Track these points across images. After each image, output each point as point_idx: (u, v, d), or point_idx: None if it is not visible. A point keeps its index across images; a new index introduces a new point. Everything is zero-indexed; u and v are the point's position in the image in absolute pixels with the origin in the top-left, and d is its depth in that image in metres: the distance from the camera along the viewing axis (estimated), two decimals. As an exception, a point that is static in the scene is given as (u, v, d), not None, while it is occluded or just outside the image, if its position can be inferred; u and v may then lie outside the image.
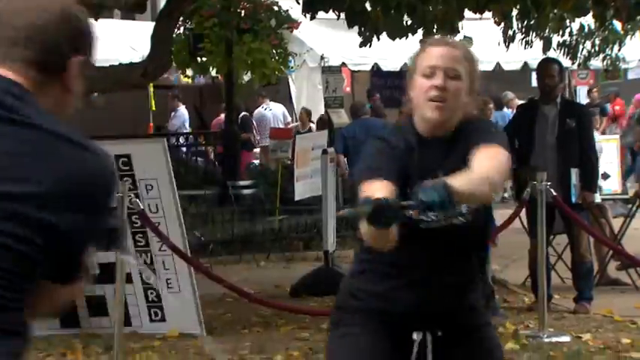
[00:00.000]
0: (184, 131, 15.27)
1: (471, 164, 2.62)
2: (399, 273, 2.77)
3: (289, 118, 15.60)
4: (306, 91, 15.07)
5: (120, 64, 8.08)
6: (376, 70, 15.48)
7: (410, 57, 3.05)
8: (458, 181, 2.49)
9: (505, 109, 14.69)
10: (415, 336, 2.77)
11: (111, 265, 6.39)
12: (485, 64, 15.77)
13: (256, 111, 15.36)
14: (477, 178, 2.58)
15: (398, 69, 14.54)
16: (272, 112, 15.13)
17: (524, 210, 7.18)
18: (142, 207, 6.38)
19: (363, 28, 7.87)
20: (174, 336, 6.70)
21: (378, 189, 2.51)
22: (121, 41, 12.32)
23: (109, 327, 6.50)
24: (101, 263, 6.68)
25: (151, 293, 6.94)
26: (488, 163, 2.62)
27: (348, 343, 2.87)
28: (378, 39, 8.09)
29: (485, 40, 11.03)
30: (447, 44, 2.87)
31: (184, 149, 14.53)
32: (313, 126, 14.01)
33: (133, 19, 13.50)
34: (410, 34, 7.74)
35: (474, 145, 2.67)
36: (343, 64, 15.04)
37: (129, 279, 6.76)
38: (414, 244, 2.69)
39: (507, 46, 9.03)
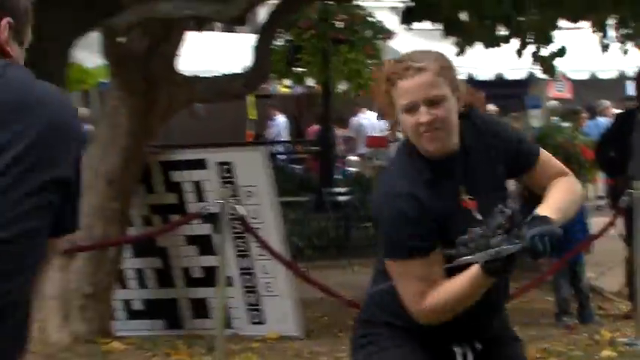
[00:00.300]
0: (281, 139, 15.49)
1: (540, 180, 2.58)
2: None
3: (385, 127, 15.90)
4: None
5: (222, 75, 8.24)
6: (470, 79, 15.72)
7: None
8: (555, 212, 2.40)
9: (599, 118, 14.39)
10: (457, 349, 2.75)
11: (213, 269, 6.57)
12: (580, 73, 15.64)
13: (354, 120, 15.59)
14: (570, 199, 2.52)
15: (493, 78, 14.71)
16: (369, 120, 15.32)
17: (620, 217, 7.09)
18: (242, 213, 6.32)
19: (458, 38, 8.00)
20: (273, 338, 6.78)
21: (431, 270, 2.45)
22: (222, 53, 12.63)
23: (211, 329, 6.58)
24: (204, 266, 7.07)
25: (251, 296, 7.05)
26: (565, 178, 2.57)
27: (391, 355, 2.77)
28: (472, 47, 8.17)
29: (579, 49, 10.82)
30: (416, 72, 2.52)
31: (281, 157, 14.71)
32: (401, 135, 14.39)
33: (234, 31, 13.85)
34: (503, 43, 7.81)
35: (513, 154, 2.57)
36: None
37: (230, 282, 6.81)
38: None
39: (603, 53, 8.95)
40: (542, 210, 2.42)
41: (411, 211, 2.37)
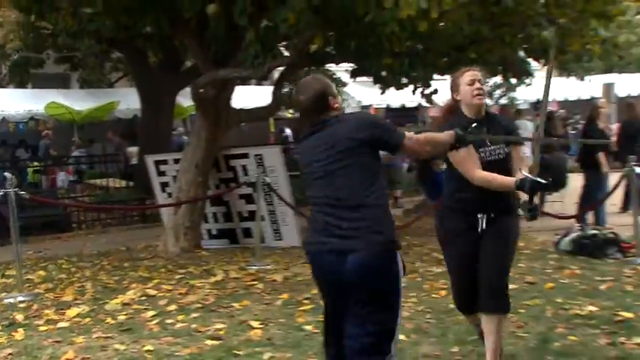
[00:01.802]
0: (290, 141, 19.60)
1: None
2: (473, 187, 3.76)
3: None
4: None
5: (255, 107, 10.35)
6: (387, 107, 19.86)
7: (451, 79, 4.05)
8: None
9: None
10: (479, 215, 3.85)
11: (253, 212, 8.74)
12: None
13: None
14: None
15: (399, 106, 19.16)
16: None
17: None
18: (268, 181, 8.59)
19: (381, 85, 10.21)
20: (287, 247, 8.98)
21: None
22: (256, 96, 15.01)
23: (253, 243, 8.67)
24: (249, 210, 9.15)
25: (274, 225, 9.35)
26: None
27: (450, 227, 3.92)
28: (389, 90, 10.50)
29: (446, 89, 13.66)
30: (473, 69, 3.95)
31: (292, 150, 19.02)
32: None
33: (262, 84, 16.67)
34: (405, 87, 10.11)
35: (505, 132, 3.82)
36: (371, 104, 19.55)
37: (263, 219, 8.91)
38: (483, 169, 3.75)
39: None
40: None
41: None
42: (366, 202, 3.17)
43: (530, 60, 10.72)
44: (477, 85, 3.82)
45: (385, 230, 3.15)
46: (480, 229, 3.80)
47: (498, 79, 11.48)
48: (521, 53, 10.18)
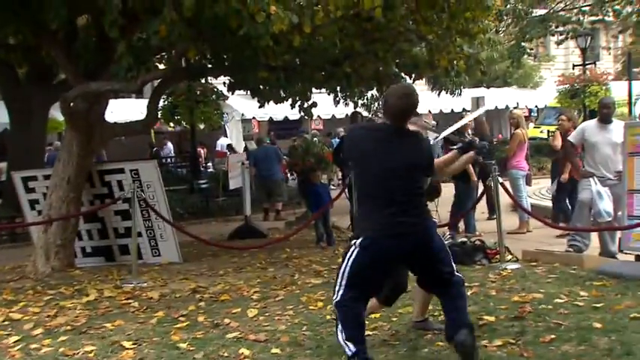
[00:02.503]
0: (170, 155, 20.29)
1: None
2: None
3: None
4: (235, 132, 19.88)
5: (131, 121, 10.39)
6: (270, 119, 20.84)
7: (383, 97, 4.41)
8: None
9: (336, 138, 18.72)
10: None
11: (130, 228, 8.54)
12: (328, 115, 20.45)
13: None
14: None
15: (282, 119, 20.14)
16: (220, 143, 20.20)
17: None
18: (144, 196, 8.44)
19: (260, 99, 10.40)
20: (165, 263, 8.85)
21: None
22: (135, 109, 15.29)
23: (130, 260, 8.46)
24: (125, 227, 9.00)
25: (152, 241, 9.20)
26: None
27: None
28: (268, 103, 10.71)
29: (326, 102, 13.05)
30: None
31: (171, 164, 19.31)
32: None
33: (141, 97, 16.65)
34: (285, 101, 10.40)
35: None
36: (254, 117, 20.24)
37: (140, 234, 8.73)
38: None
39: (337, 105, 11.91)
40: None
41: None
42: None
43: (403, 75, 11.00)
44: None
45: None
46: None
47: (375, 92, 11.76)
48: (395, 68, 10.43)
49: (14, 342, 5.41)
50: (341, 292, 4.09)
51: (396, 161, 3.96)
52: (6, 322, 6.07)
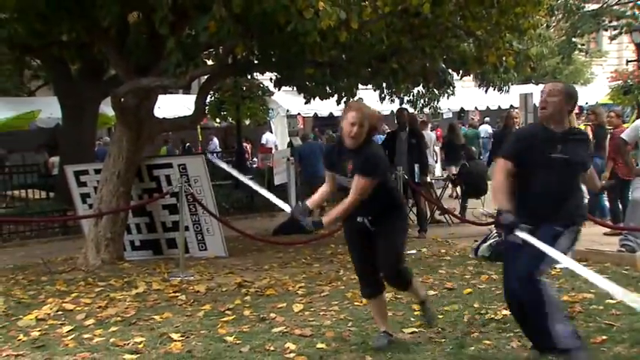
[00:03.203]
0: (216, 150, 19.96)
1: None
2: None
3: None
4: (280, 128, 19.87)
5: (179, 116, 10.56)
6: (315, 115, 20.73)
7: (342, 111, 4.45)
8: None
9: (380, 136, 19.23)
10: (359, 219, 4.43)
11: (177, 222, 8.59)
12: None
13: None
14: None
15: (327, 115, 19.95)
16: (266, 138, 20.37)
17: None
18: (192, 191, 8.57)
19: (306, 95, 10.46)
20: (211, 257, 8.89)
21: None
22: (182, 105, 15.86)
23: (177, 254, 8.47)
24: (172, 220, 9.06)
25: (199, 235, 9.24)
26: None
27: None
28: (314, 99, 10.74)
29: (374, 98, 12.79)
30: (357, 111, 4.34)
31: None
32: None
33: (188, 93, 16.84)
34: (331, 97, 10.37)
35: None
36: (299, 113, 20.22)
37: (187, 228, 8.74)
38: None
39: (382, 102, 11.67)
40: None
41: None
42: None
43: (450, 71, 10.92)
44: (355, 128, 4.35)
45: None
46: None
47: (421, 88, 11.69)
48: (442, 64, 10.34)
49: (67, 331, 5.54)
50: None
51: None
52: (59, 312, 6.23)
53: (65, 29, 8.66)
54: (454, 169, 13.09)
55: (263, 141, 20.82)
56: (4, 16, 8.00)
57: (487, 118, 23.72)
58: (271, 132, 21.08)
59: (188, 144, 20.59)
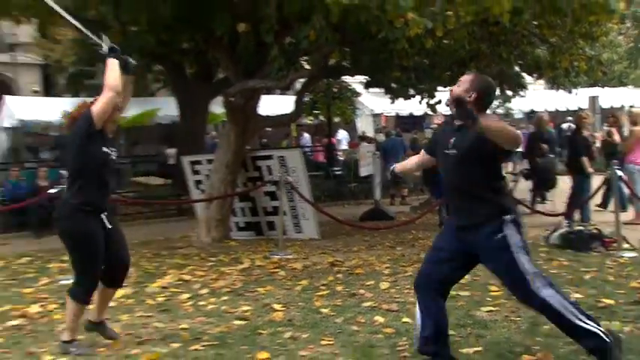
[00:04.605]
0: (308, 145, 19.61)
1: None
2: None
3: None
4: (366, 125, 19.59)
5: (279, 114, 10.64)
6: (397, 115, 20.14)
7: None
8: None
9: None
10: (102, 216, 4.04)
11: (277, 207, 8.74)
12: (448, 111, 19.97)
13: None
14: None
15: (407, 114, 19.27)
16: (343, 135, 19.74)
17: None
18: (290, 180, 8.65)
19: (391, 95, 10.35)
20: (306, 239, 9.01)
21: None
22: (277, 104, 15.43)
23: (276, 235, 8.67)
24: (273, 206, 9.18)
25: (295, 220, 9.33)
26: None
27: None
28: (398, 100, 10.65)
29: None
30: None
31: (309, 153, 18.45)
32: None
33: (286, 94, 16.20)
34: (413, 98, 10.31)
35: None
36: (382, 112, 19.80)
37: (285, 213, 8.87)
38: None
39: None
40: None
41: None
42: None
43: (524, 74, 10.64)
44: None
45: None
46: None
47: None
48: (517, 68, 10.09)
49: (186, 298, 5.73)
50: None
51: None
52: (179, 282, 6.45)
53: (186, 38, 8.92)
54: (526, 164, 12.64)
55: (339, 137, 20.62)
56: (138, 29, 8.31)
57: (569, 118, 22.87)
58: (349, 129, 21.01)
59: (264, 140, 20.66)
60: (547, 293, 3.30)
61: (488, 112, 3.63)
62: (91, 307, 4.31)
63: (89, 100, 4.27)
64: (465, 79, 3.51)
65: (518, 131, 3.44)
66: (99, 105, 3.93)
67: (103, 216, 4.10)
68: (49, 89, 24.94)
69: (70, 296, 4.15)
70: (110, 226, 4.03)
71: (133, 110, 16.75)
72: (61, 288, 6.15)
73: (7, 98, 17.49)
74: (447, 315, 3.65)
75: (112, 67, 4.01)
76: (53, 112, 14.69)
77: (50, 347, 4.34)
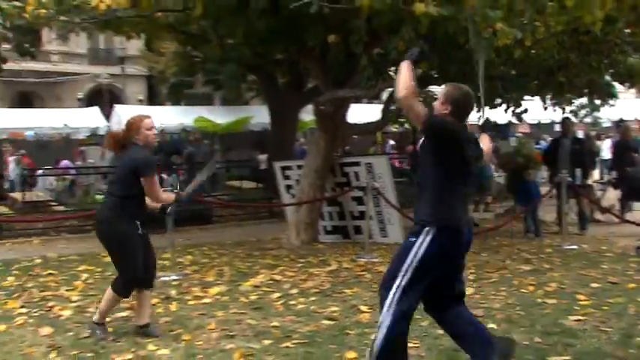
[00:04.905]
0: (391, 152, 19.11)
1: None
2: None
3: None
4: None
5: (366, 122, 10.49)
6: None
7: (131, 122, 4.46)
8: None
9: (542, 142, 17.06)
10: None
11: (363, 212, 8.65)
12: (533, 121, 18.17)
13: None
14: None
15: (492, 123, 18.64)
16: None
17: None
18: (377, 186, 8.60)
19: (476, 103, 10.64)
20: (391, 243, 8.68)
21: None
22: (361, 113, 15.19)
23: (362, 239, 8.50)
24: (359, 211, 9.00)
25: (381, 224, 9.16)
26: None
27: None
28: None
29: (534, 108, 11.57)
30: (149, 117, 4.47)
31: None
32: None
33: (372, 103, 16.31)
34: (499, 107, 10.05)
35: None
36: (467, 121, 19.60)
37: (371, 218, 8.72)
38: None
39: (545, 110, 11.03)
40: None
41: None
42: None
43: (615, 83, 10.18)
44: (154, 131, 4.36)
45: None
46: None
47: (584, 100, 11.01)
48: (608, 77, 9.68)
49: (277, 297, 5.81)
50: None
51: None
52: (270, 282, 6.54)
53: (279, 50, 9.07)
54: (614, 174, 12.09)
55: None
56: (235, 41, 8.55)
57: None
58: None
59: (348, 147, 20.58)
60: (390, 318, 3.30)
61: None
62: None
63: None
64: (440, 92, 3.45)
65: (425, 111, 3.19)
66: None
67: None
68: (152, 98, 26.13)
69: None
70: None
71: (227, 118, 17.30)
72: (161, 284, 6.38)
73: (117, 107, 18.45)
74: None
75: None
76: (155, 120, 15.25)
77: (153, 339, 4.49)
